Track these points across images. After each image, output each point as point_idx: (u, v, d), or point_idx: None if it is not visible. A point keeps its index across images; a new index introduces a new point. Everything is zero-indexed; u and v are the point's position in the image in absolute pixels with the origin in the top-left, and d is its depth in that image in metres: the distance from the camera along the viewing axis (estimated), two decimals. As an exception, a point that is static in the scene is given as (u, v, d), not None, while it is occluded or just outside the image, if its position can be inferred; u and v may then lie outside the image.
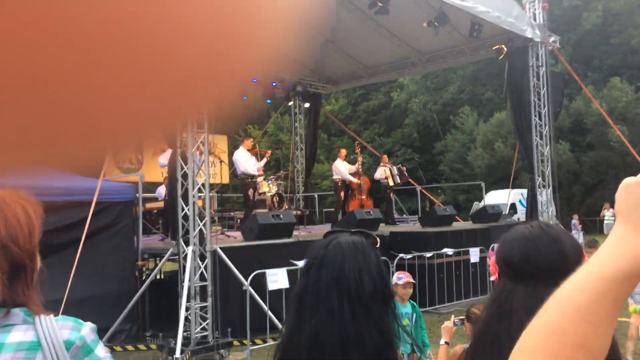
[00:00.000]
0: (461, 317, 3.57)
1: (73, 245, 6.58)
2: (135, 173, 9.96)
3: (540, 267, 1.35)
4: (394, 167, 12.82)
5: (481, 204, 16.51)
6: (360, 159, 12.30)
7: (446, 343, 3.52)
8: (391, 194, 12.85)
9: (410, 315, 4.59)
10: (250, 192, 10.35)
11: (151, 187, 12.09)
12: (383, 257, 6.37)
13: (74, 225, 6.94)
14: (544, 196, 12.65)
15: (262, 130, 24.12)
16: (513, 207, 18.76)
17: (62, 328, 1.19)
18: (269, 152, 12.65)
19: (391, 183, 12.56)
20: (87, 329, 1.23)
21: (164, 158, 9.43)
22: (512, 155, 17.14)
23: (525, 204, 14.68)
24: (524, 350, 0.74)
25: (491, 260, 1.50)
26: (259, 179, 12.55)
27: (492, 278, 1.51)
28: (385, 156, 13.53)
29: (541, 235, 1.39)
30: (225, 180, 14.82)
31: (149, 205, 11.43)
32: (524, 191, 15.29)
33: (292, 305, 1.39)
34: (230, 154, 16.32)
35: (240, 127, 28.72)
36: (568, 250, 1.37)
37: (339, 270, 1.34)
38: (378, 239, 1.51)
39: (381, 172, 12.70)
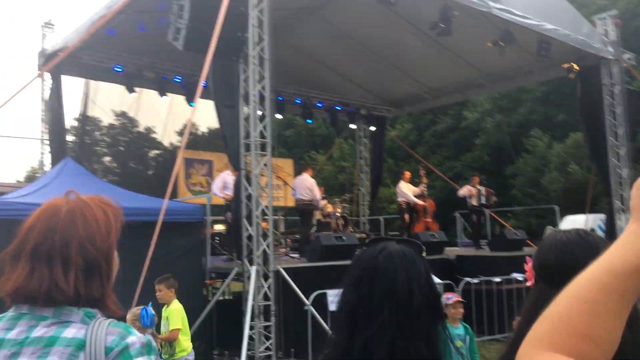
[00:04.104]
0: None
1: (144, 264, 6.89)
2: (204, 195, 10.34)
3: (576, 273, 1.33)
4: (482, 188, 12.53)
5: (555, 229, 15.79)
6: (424, 180, 12.16)
7: None
8: (473, 215, 12.50)
9: (463, 337, 4.46)
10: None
11: (220, 209, 12.49)
12: (447, 281, 6.22)
13: (146, 245, 7.28)
14: (624, 221, 11.97)
15: (327, 155, 24.34)
16: (591, 232, 17.79)
17: (109, 334, 1.19)
18: None
19: (474, 203, 12.29)
20: (135, 338, 1.20)
21: (217, 187, 9.78)
22: (589, 178, 16.36)
23: (604, 229, 13.93)
24: (532, 339, 0.76)
25: (528, 266, 1.50)
26: (323, 202, 12.68)
27: (528, 283, 1.50)
28: (476, 177, 13.13)
29: (579, 242, 1.39)
30: (292, 202, 15.05)
31: (217, 227, 11.82)
32: (604, 216, 14.51)
33: (343, 320, 1.35)
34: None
35: (304, 151, 29.13)
36: None
37: (391, 282, 1.32)
38: (424, 248, 1.48)
39: (466, 190, 12.42)
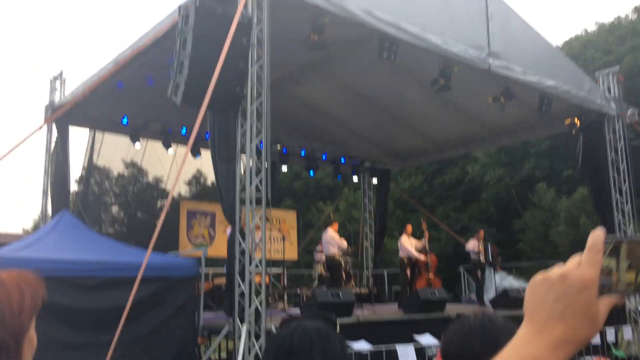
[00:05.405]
0: None
1: (136, 321, 6.72)
2: (201, 248, 10.25)
3: None
4: (488, 244, 12.38)
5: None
6: (426, 234, 11.99)
7: None
8: (478, 271, 12.30)
9: None
10: None
11: (223, 262, 12.32)
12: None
13: (140, 300, 7.11)
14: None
15: (333, 206, 24.27)
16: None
17: None
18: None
19: (482, 259, 12.10)
20: None
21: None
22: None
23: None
24: None
25: (439, 348, 1.51)
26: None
27: None
28: (482, 231, 13.01)
29: (478, 332, 1.39)
30: (293, 256, 14.88)
31: (217, 281, 11.62)
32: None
33: None
34: (301, 230, 16.51)
35: (312, 202, 29.10)
36: None
37: (308, 358, 1.34)
38: (337, 322, 1.54)
39: (474, 244, 12.25)
